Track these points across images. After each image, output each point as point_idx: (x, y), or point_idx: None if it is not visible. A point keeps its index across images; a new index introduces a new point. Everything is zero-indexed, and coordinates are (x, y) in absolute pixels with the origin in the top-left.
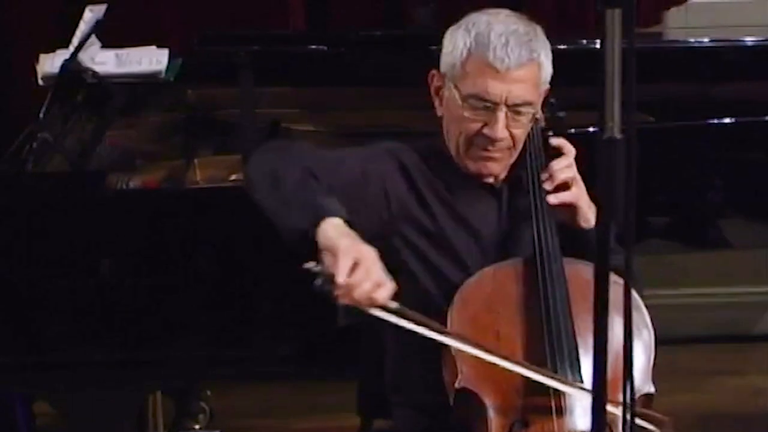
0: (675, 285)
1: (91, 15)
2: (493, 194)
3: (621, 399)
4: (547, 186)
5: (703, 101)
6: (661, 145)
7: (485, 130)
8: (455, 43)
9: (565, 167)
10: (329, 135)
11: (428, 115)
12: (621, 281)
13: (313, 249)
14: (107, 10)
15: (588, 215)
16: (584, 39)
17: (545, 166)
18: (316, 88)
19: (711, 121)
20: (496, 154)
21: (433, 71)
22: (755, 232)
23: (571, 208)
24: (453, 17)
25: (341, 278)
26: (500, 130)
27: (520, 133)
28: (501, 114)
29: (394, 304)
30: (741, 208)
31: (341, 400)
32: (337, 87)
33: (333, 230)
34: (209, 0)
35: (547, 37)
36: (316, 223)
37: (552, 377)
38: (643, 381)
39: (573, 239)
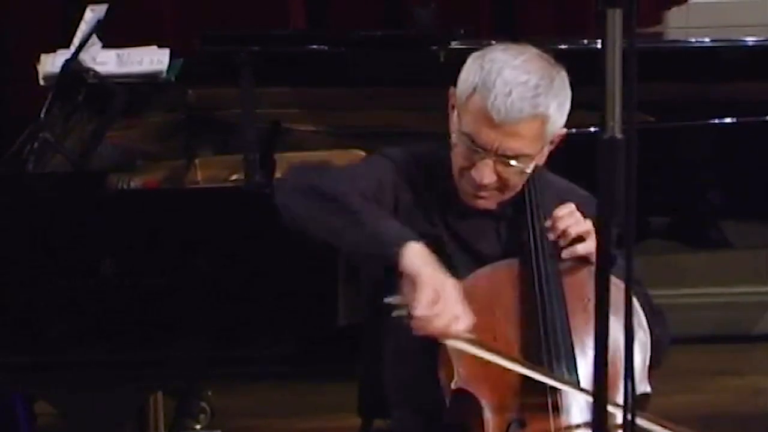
0: (675, 285)
1: (92, 15)
2: (493, 218)
3: (617, 399)
4: (560, 242)
5: (704, 101)
6: (662, 145)
7: (472, 171)
8: (468, 74)
9: (572, 223)
10: (329, 135)
11: (428, 116)
12: (620, 283)
13: (390, 270)
14: (108, 9)
15: None
16: (584, 39)
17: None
18: (317, 88)
19: (711, 121)
20: (484, 193)
21: (452, 88)
22: (755, 232)
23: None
24: (453, 17)
25: (419, 311)
26: (485, 177)
27: (516, 179)
28: (488, 161)
29: (468, 335)
30: (741, 208)
31: (341, 400)
32: (337, 87)
33: (416, 257)
34: (210, 0)
35: (547, 37)
36: (399, 249)
37: (550, 375)
38: (639, 381)
39: None
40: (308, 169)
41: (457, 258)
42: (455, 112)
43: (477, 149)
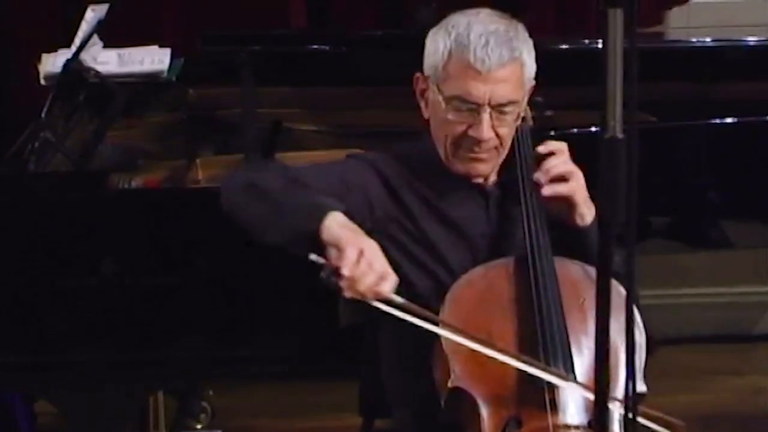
0: (675, 285)
1: (92, 14)
2: (482, 195)
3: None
4: (542, 179)
5: (704, 101)
6: (663, 145)
7: (471, 132)
8: (436, 45)
9: (559, 162)
10: (329, 135)
11: None
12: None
13: (317, 247)
14: (109, 9)
15: (584, 211)
16: (585, 39)
17: (536, 165)
18: (317, 88)
19: (711, 121)
20: (483, 155)
21: (418, 74)
22: (755, 232)
23: (566, 203)
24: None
25: (346, 270)
26: (485, 131)
27: (506, 132)
28: (485, 115)
29: (398, 298)
30: (741, 208)
31: (341, 400)
32: (338, 87)
33: (336, 224)
34: (210, 0)
35: (547, 37)
36: (319, 220)
37: (545, 369)
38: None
39: (566, 239)
40: (258, 166)
41: (447, 243)
42: (428, 94)
43: (471, 106)
